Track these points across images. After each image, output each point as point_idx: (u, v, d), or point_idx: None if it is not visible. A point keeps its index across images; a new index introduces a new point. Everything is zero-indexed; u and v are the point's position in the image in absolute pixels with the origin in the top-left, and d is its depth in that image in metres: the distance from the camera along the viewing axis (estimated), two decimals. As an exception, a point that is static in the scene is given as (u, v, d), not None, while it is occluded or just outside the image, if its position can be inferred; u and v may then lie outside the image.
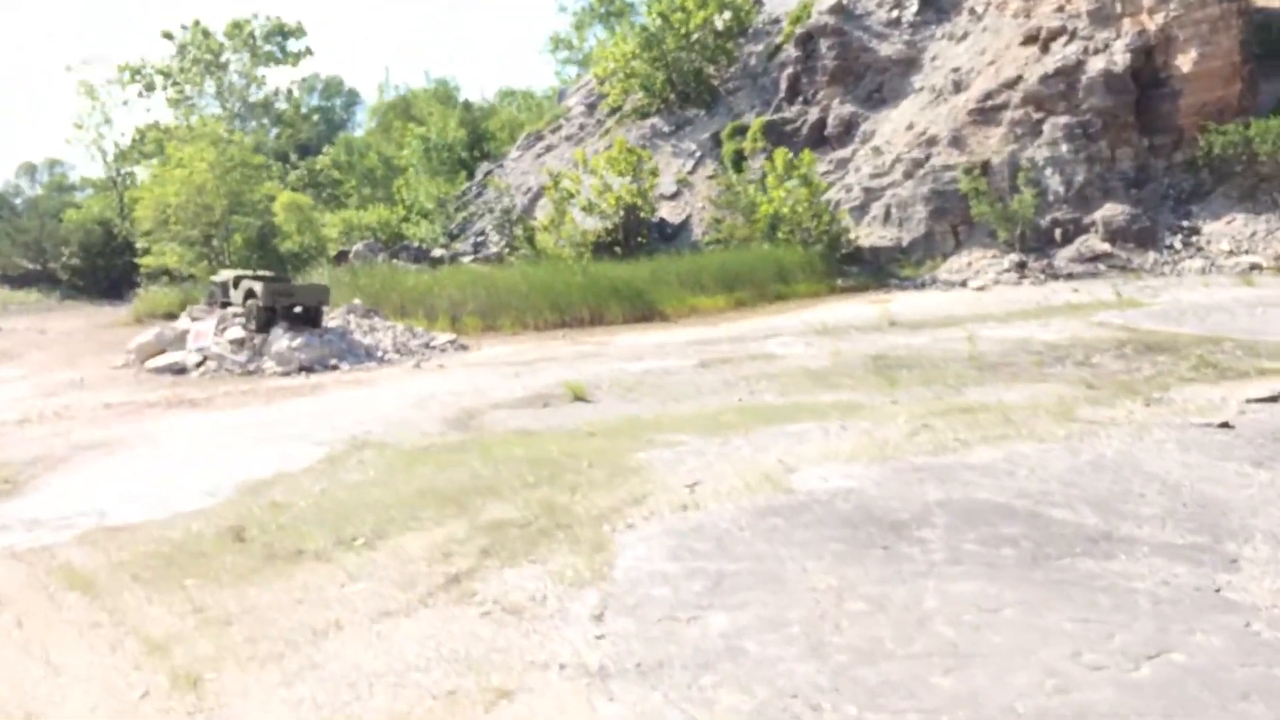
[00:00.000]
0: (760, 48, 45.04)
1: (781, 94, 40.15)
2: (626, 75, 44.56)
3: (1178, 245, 30.83)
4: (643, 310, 26.60)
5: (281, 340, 19.53)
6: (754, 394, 13.70)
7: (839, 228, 33.57)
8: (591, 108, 48.50)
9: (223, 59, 49.86)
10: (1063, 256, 31.27)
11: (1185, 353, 14.65)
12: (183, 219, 31.06)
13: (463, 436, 11.90)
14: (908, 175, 34.33)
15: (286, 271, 31.69)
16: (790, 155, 34.38)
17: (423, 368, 18.92)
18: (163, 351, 20.73)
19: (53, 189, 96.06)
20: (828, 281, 31.85)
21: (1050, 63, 33.60)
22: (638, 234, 37.18)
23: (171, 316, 32.14)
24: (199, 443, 12.34)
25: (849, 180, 36.11)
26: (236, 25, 50.37)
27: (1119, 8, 33.35)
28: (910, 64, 38.49)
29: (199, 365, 19.78)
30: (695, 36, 42.93)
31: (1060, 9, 35.16)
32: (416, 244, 35.83)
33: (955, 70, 36.52)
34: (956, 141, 34.27)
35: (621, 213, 36.59)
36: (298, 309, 20.73)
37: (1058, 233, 31.72)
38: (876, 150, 36.18)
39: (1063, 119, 32.53)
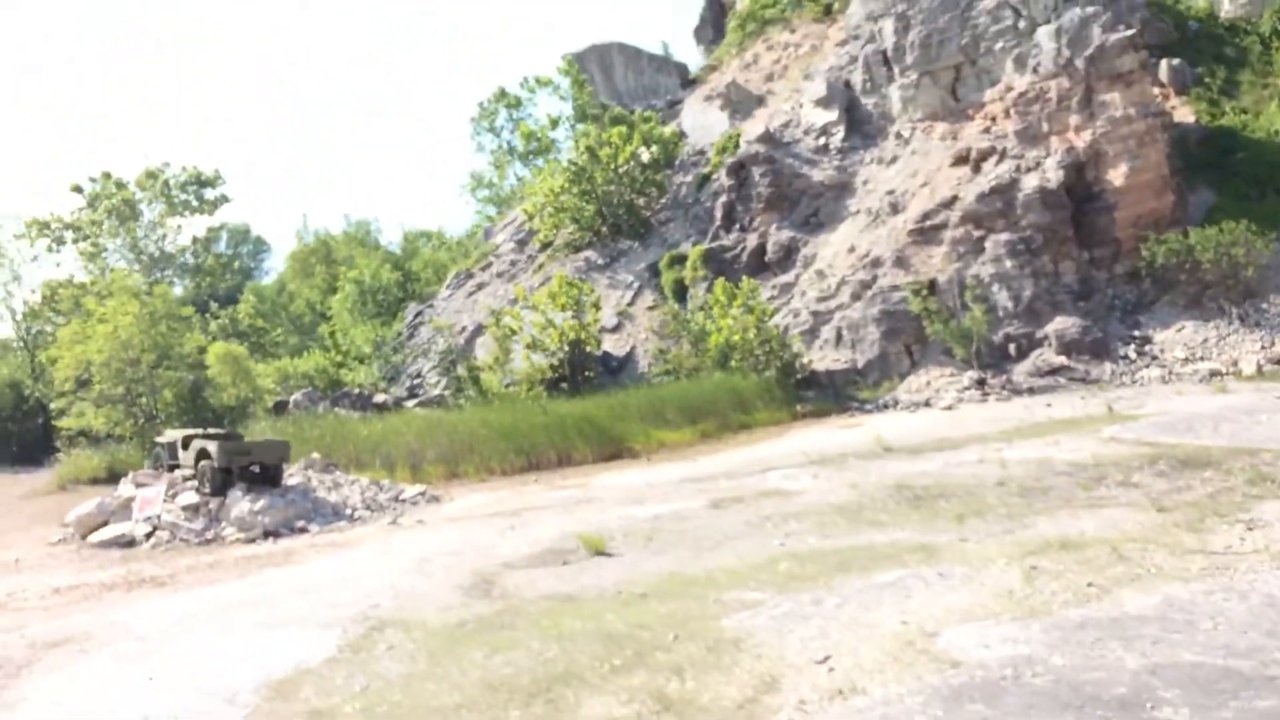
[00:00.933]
0: (689, 178, 45.27)
1: (718, 222, 40.09)
2: (556, 210, 44.24)
3: (1132, 355, 30.88)
4: (610, 447, 25.43)
5: (241, 503, 17.83)
6: (791, 537, 12.60)
7: (791, 353, 33.05)
8: (521, 243, 47.98)
9: (137, 209, 48.25)
10: (1020, 371, 31.08)
11: (1227, 466, 13.99)
12: (106, 376, 29.11)
13: (493, 607, 10.50)
14: (855, 297, 34.17)
15: (223, 425, 29.84)
16: (731, 285, 34.04)
17: (401, 524, 17.40)
18: (105, 523, 18.80)
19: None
20: (788, 408, 31.12)
21: (984, 182, 34.06)
22: (584, 369, 36.23)
23: (98, 481, 30.02)
24: (184, 633, 10.70)
25: (795, 305, 35.83)
26: (151, 175, 48.92)
27: (1045, 127, 34.13)
28: (843, 188, 38.84)
29: (149, 536, 17.94)
30: (623, 169, 42.90)
31: (987, 130, 35.95)
32: (356, 390, 34.29)
33: (890, 193, 36.88)
34: (900, 261, 34.31)
35: (566, 348, 35.64)
36: (254, 468, 19.10)
37: (1011, 348, 31.60)
38: (820, 274, 36.07)
39: (1004, 236, 32.78)
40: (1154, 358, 30.71)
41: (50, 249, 46.02)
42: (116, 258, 48.37)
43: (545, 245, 46.25)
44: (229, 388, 30.67)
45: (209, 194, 49.79)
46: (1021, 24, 35.23)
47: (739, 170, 40.06)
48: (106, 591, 13.83)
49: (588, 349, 36.51)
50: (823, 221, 38.39)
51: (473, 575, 12.23)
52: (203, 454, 18.88)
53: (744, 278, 34.68)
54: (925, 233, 34.70)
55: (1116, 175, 32.61)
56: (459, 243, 55.63)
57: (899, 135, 38.96)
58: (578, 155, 43.20)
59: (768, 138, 40.68)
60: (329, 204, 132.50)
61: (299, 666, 8.82)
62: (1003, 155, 34.76)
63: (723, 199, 40.35)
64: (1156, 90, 35.43)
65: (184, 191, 49.43)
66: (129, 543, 17.79)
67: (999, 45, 35.79)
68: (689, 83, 51.97)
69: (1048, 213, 32.64)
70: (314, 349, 38.56)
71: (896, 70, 39.03)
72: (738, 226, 39.65)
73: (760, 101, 46.68)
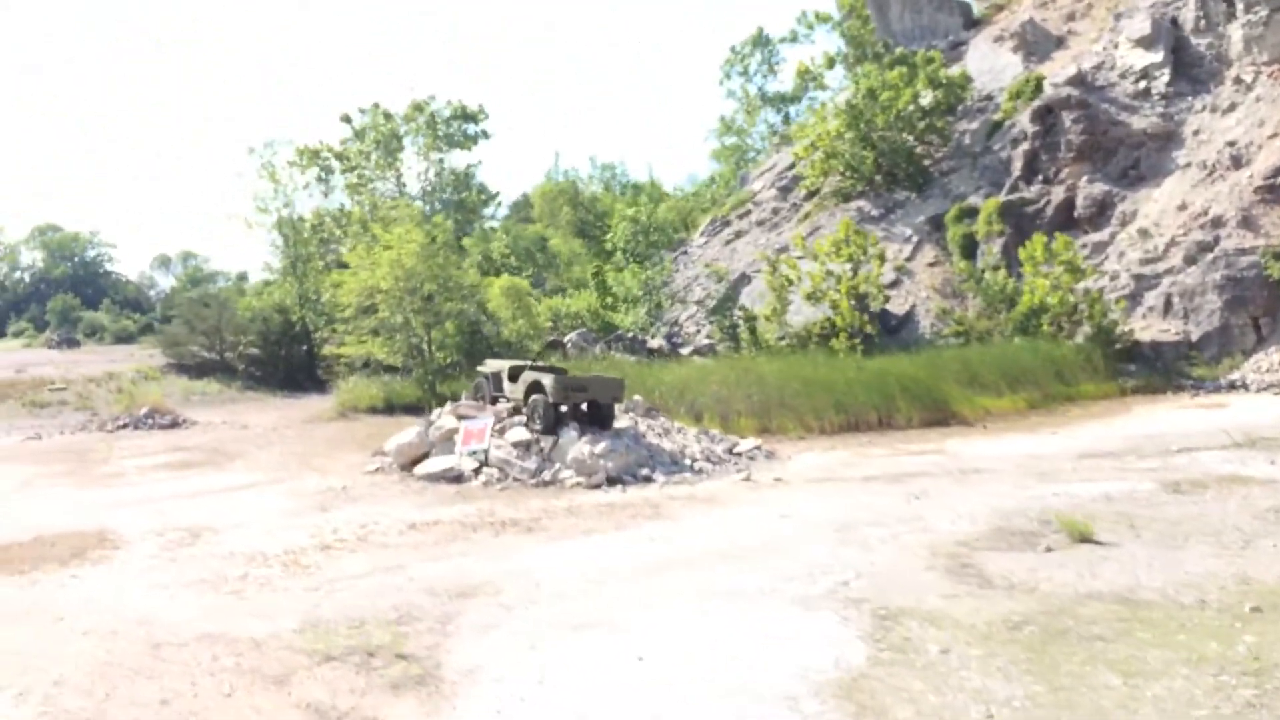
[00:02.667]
0: (974, 125, 41.49)
1: (1017, 173, 36.36)
2: (828, 155, 41.33)
3: None
4: (934, 412, 22.72)
5: (579, 444, 16.14)
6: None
7: (1109, 320, 29.43)
8: (785, 190, 45.36)
9: (401, 141, 48.18)
10: (1399, 354, 26.60)
11: None
12: (389, 304, 28.36)
13: (1017, 604, 8.15)
14: (1190, 260, 30.11)
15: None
16: (1046, 240, 30.59)
17: (756, 481, 15.29)
18: (426, 454, 17.51)
19: (188, 281, 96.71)
20: (1111, 382, 27.68)
21: (1358, 133, 29.29)
22: (882, 324, 33.55)
23: (376, 411, 29.48)
24: (626, 597, 8.82)
25: (1112, 266, 31.98)
26: (418, 107, 48.68)
27: None
28: (1168, 138, 34.45)
29: (476, 472, 16.49)
30: (905, 113, 39.60)
31: (1359, 74, 30.96)
32: (630, 334, 32.66)
33: (1230, 144, 32.36)
34: (1247, 222, 30.00)
35: (852, 302, 33.00)
36: (583, 407, 17.47)
37: (1391, 327, 27.11)
38: (1144, 233, 32.04)
39: (1382, 196, 28.10)
40: None
41: (320, 178, 46.63)
42: (381, 189, 48.53)
43: (812, 193, 43.49)
44: (510, 323, 29.48)
45: (470, 129, 49.45)
46: None
47: (1045, 115, 36.19)
48: (471, 532, 12.27)
49: (872, 304, 33.80)
50: (1143, 175, 34.16)
51: (931, 554, 9.95)
52: (535, 387, 17.31)
53: (1057, 234, 31.12)
54: (1276, 190, 30.22)
55: None
56: (706, 189, 53.38)
57: (1239, 80, 34.19)
58: (856, 96, 40.08)
59: (1079, 80, 36.57)
60: (573, 149, 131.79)
61: (842, 665, 6.72)
62: (1380, 103, 29.83)
63: (1024, 147, 36.56)
64: None
65: (448, 125, 49.10)
66: (457, 477, 16.39)
67: (1383, -26, 30.66)
68: (972, 23, 47.89)
69: None
70: (579, 289, 37.08)
71: (1240, 5, 34.19)
72: (1040, 178, 35.84)
73: (1060, 43, 42.37)
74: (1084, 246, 33.01)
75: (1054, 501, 12.10)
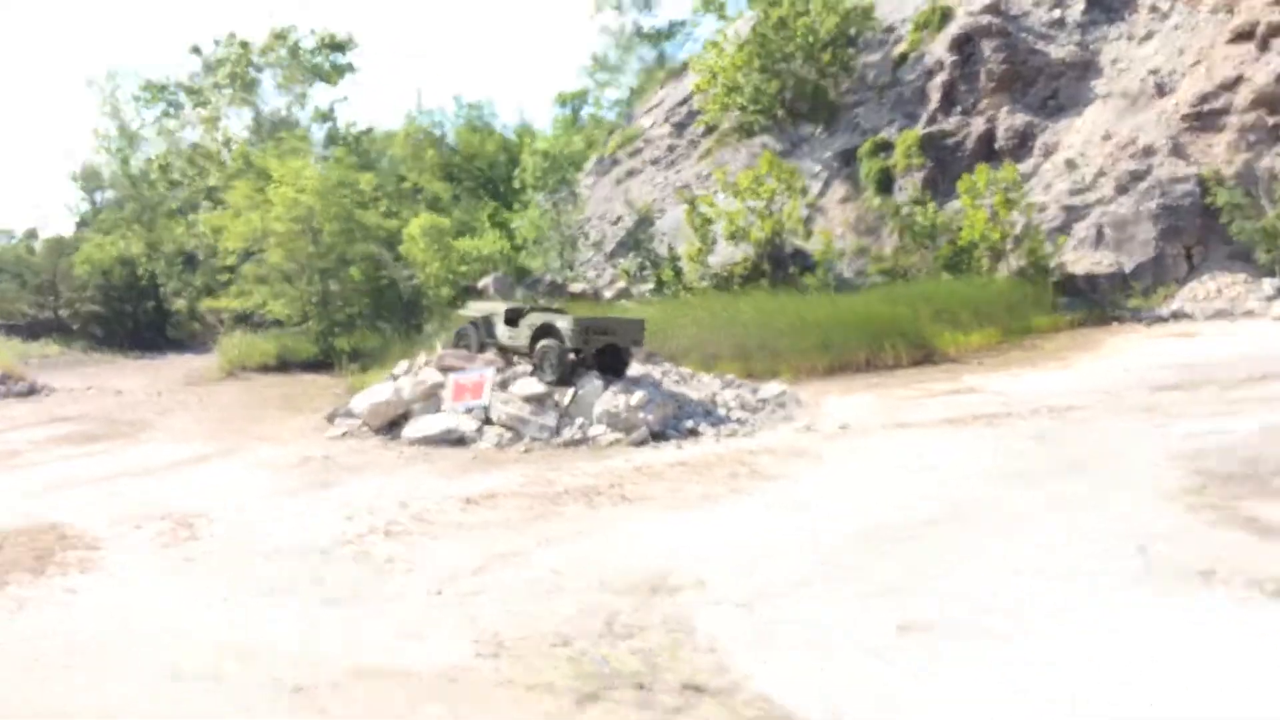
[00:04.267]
0: (877, 57, 40.29)
1: (934, 104, 35.30)
2: (729, 89, 39.36)
3: None
4: (918, 350, 21.27)
5: (608, 396, 13.84)
6: None
7: (1044, 253, 28.73)
8: (680, 127, 43.28)
9: (260, 73, 43.51)
10: (1327, 281, 26.64)
11: None
12: (285, 249, 24.96)
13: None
14: (1122, 190, 29.62)
15: (419, 313, 25.86)
16: (989, 169, 29.63)
17: (820, 431, 13.32)
18: (403, 416, 14.82)
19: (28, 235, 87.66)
20: (1055, 315, 26.98)
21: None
22: (788, 264, 32.00)
23: (269, 369, 26.18)
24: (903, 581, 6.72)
25: (1038, 198, 31.25)
26: (279, 36, 43.92)
27: (1359, -2, 29.16)
28: (1086, 67, 33.95)
29: (478, 432, 13.95)
30: (809, 44, 37.95)
31: (1278, 2, 30.88)
32: (548, 278, 30.14)
33: (1153, 72, 32.02)
34: (1177, 150, 29.68)
35: (774, 240, 31.43)
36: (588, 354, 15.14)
37: (1317, 254, 27.12)
38: (1070, 163, 31.43)
39: (1308, 123, 28.07)
40: None
41: (167, 114, 41.64)
42: (238, 126, 43.90)
43: (710, 129, 41.54)
44: (424, 268, 26.46)
45: (338, 60, 45.09)
46: (1336, -127, 29.97)
47: (964, 44, 35.19)
48: (550, 505, 9.98)
49: (797, 243, 32.30)
50: (1063, 105, 33.59)
51: (1186, 507, 8.14)
52: (544, 331, 14.86)
53: (1004, 163, 30.20)
54: (1203, 118, 29.98)
55: None
56: (583, 129, 50.69)
57: (1154, 8, 33.91)
58: (764, 25, 38.16)
59: (994, 9, 35.67)
60: (433, 86, 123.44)
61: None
62: (1301, 31, 29.80)
63: (940, 77, 35.51)
64: None
65: (313, 56, 44.60)
66: (459, 440, 13.86)
67: (1301, -100, 30.55)
68: (867, -48, 46.51)
69: (1365, 97, 27.89)
70: (468, 234, 33.99)
71: (1154, -68, 33.82)
72: (959, 109, 34.90)
73: (961, -28, 41.46)
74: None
75: (1229, 439, 10.50)
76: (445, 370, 15.40)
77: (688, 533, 8.61)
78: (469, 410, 14.53)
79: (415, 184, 42.27)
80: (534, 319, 15.51)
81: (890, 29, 40.92)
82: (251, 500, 11.14)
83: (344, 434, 15.21)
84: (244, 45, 43.85)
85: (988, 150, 33.68)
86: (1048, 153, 32.57)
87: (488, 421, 14.31)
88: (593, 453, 12.94)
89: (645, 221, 36.86)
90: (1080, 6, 35.22)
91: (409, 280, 26.68)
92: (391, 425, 15.08)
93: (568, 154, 39.58)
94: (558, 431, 13.75)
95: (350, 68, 45.64)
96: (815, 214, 36.34)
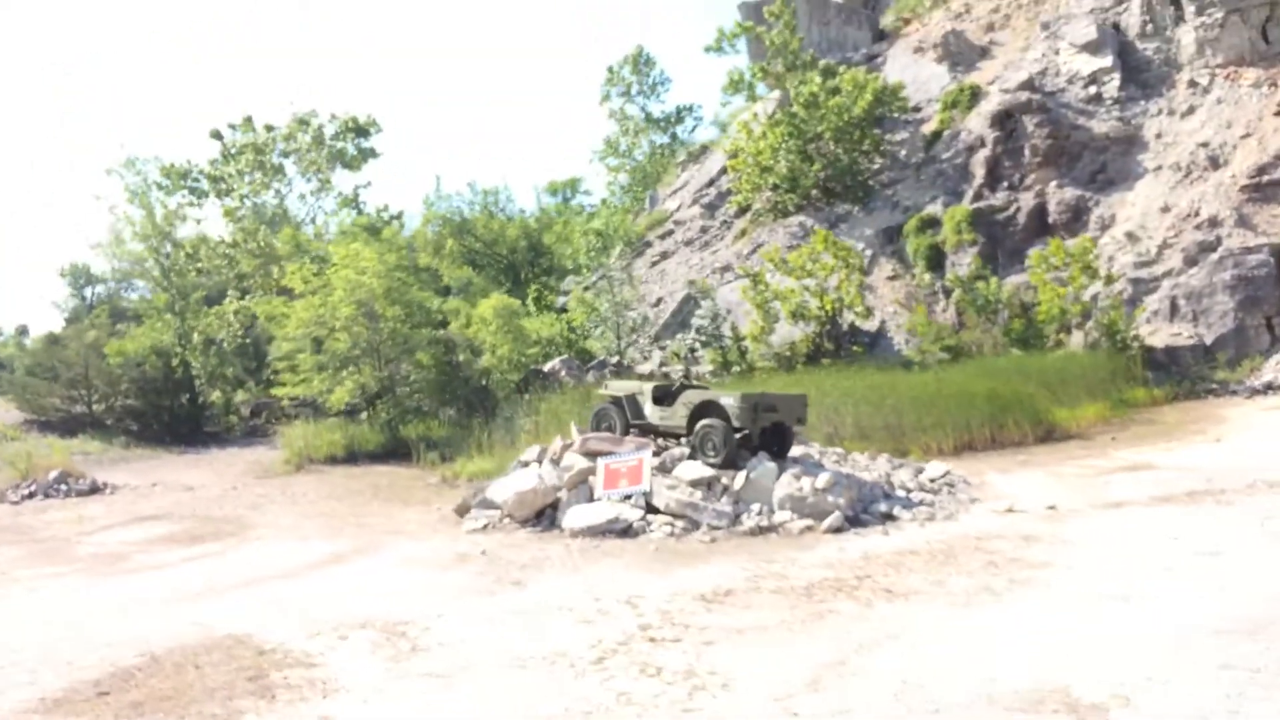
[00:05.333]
0: (905, 136, 40.19)
1: (979, 180, 34.99)
2: (763, 169, 38.96)
3: None
4: (1041, 425, 20.36)
5: (788, 480, 12.70)
6: None
7: (1121, 326, 28.09)
8: (710, 208, 42.75)
9: (286, 159, 42.45)
10: None
11: None
12: (346, 334, 23.77)
13: None
14: (1191, 262, 29.16)
15: (487, 398, 24.67)
16: (1061, 242, 29.18)
17: (1023, 511, 12.30)
18: (551, 504, 13.62)
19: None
20: (1147, 388, 26.23)
21: (1339, 130, 29.13)
22: (852, 342, 31.25)
23: (337, 461, 24.78)
24: None
25: (1103, 271, 30.74)
26: (302, 121, 43.01)
27: None
28: (1130, 141, 33.83)
29: (642, 520, 12.78)
30: (843, 124, 37.72)
31: (1324, 74, 31.02)
32: (614, 360, 29.08)
33: (1203, 145, 31.89)
34: (1243, 221, 29.37)
35: (829, 318, 30.72)
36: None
37: (1395, 323, 26.72)
38: (1131, 236, 31.04)
39: (1375, 192, 27.89)
40: None
41: (192, 203, 40.52)
42: (258, 215, 42.53)
43: (742, 210, 41.06)
44: (499, 350, 25.27)
45: (362, 145, 44.15)
46: (1381, -52, 30.36)
47: (1005, 121, 35.02)
48: (808, 601, 9.01)
49: (856, 320, 31.59)
50: (1112, 178, 33.37)
51: None
52: (705, 410, 13.73)
53: (1054, 239, 29.85)
54: (1263, 189, 29.80)
55: None
56: (600, 212, 50.02)
57: (1193, 83, 33.96)
58: (795, 105, 37.92)
59: (1030, 85, 35.65)
60: (450, 173, 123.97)
61: None
62: (1353, 102, 29.86)
63: (983, 153, 35.30)
64: None
65: (337, 141, 43.71)
66: (624, 530, 12.64)
67: (1345, -26, 30.90)
68: (881, 36, 46.89)
69: None
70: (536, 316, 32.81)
71: (1190, 9, 34.03)
72: (1005, 184, 34.60)
73: (984, 53, 41.70)
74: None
75: None
76: (592, 455, 14.20)
77: (1017, 631, 7.54)
78: (626, 498, 13.36)
79: (438, 270, 41.25)
80: (691, 397, 14.42)
81: (917, 108, 40.90)
82: (446, 604, 9.97)
83: (485, 526, 13.95)
84: (269, 129, 43.08)
85: (1040, 224, 33.34)
86: (1104, 226, 32.21)
87: (651, 510, 13.13)
88: (789, 542, 11.79)
89: (690, 302, 36.01)
90: (1115, 83, 35.23)
91: (476, 364, 25.49)
92: (538, 516, 13.86)
93: (622, 233, 38.80)
94: (736, 519, 12.57)
95: (373, 152, 44.97)
96: (864, 291, 35.72)
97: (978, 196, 34.78)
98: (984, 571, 9.64)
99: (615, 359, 28.90)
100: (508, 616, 9.32)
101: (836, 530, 12.12)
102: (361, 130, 44.34)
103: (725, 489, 13.06)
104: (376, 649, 8.64)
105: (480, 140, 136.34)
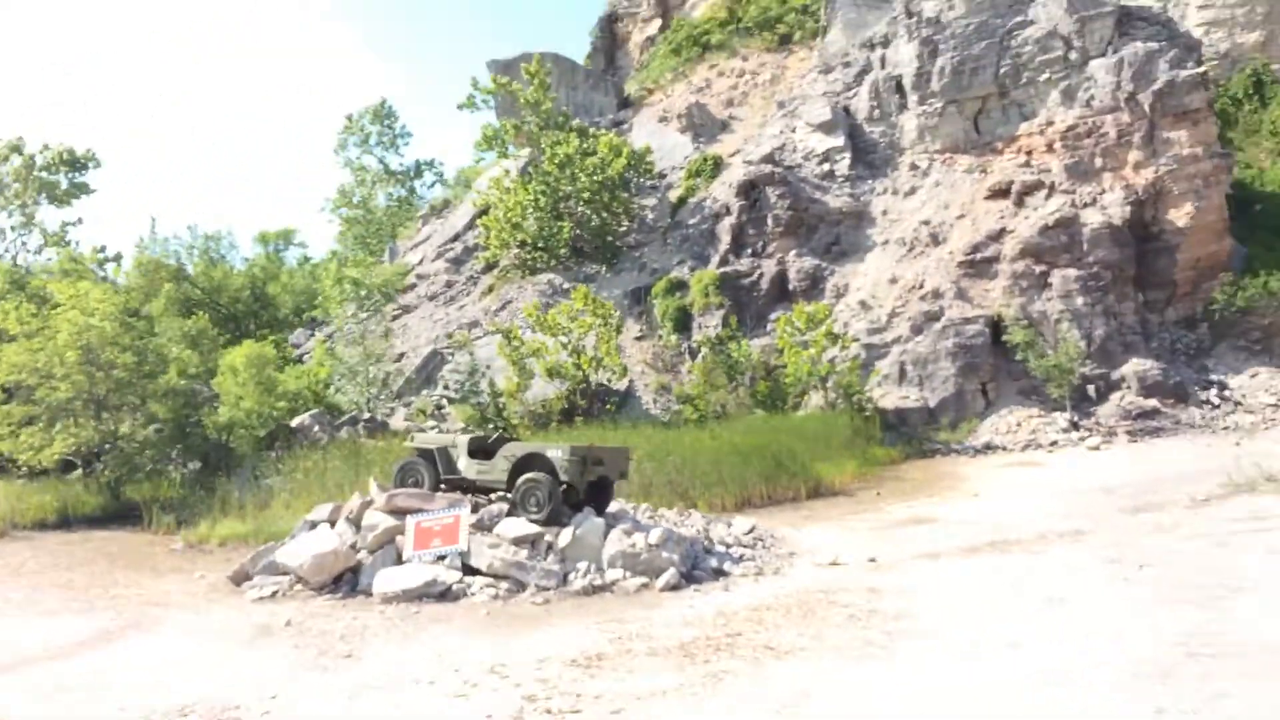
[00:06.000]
0: (653, 201, 41.27)
1: (726, 246, 36.26)
2: (514, 226, 38.73)
3: (1214, 399, 29.78)
4: (810, 482, 21.05)
5: (616, 535, 12.34)
6: None
7: (856, 389, 29.71)
8: (456, 263, 41.96)
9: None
10: (1104, 414, 29.15)
11: None
12: (69, 383, 21.21)
13: None
14: (917, 330, 31.34)
15: (230, 459, 22.78)
16: (804, 307, 30.56)
17: (847, 564, 12.55)
18: (352, 568, 12.59)
19: None
20: (883, 448, 27.77)
21: (1040, 216, 32.37)
22: (604, 400, 31.34)
23: (46, 526, 21.93)
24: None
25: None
26: (14, 148, 38.13)
27: (1099, 163, 33.00)
28: (860, 216, 36.24)
29: (460, 582, 12.03)
30: (595, 185, 38.20)
31: (1026, 164, 34.44)
32: (367, 414, 27.51)
33: (925, 223, 34.56)
34: (961, 294, 31.95)
35: (584, 376, 30.75)
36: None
37: (1090, 389, 29.73)
38: (864, 304, 33.05)
39: (1071, 271, 31.11)
40: (1237, 403, 29.73)
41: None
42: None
43: (490, 266, 40.59)
44: (236, 404, 23.28)
45: (75, 179, 39.87)
46: (1073, 55, 34.11)
47: (750, 191, 36.55)
48: (694, 663, 8.48)
49: (611, 380, 31.73)
50: (845, 250, 35.53)
51: None
52: (529, 463, 13.11)
53: (815, 303, 31.28)
54: (977, 265, 32.60)
55: (1179, 216, 31.77)
56: (329, 264, 48.05)
57: (914, 166, 36.88)
58: (549, 164, 38.06)
59: (773, 159, 37.52)
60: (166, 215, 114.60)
61: None
62: (1051, 190, 33.26)
63: (729, 220, 36.64)
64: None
65: (49, 173, 39.17)
66: (443, 594, 11.84)
67: (1043, 76, 34.50)
68: (625, 104, 48.08)
69: (1116, 249, 31.27)
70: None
71: (914, 98, 37.02)
72: (750, 251, 36.03)
73: (725, 126, 43.62)
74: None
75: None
76: (399, 512, 13.21)
77: (932, 683, 7.54)
78: (441, 558, 12.50)
79: (153, 317, 38.08)
80: (513, 449, 13.74)
81: (663, 175, 42.13)
82: (274, 682, 8.81)
83: (274, 594, 12.64)
84: (-22, 152, 38.09)
85: (782, 290, 34.92)
86: (839, 294, 34.13)
87: (469, 570, 12.35)
88: (629, 601, 11.37)
89: (437, 357, 35.02)
90: (846, 162, 37.69)
91: (215, 417, 23.36)
92: (336, 581, 12.71)
93: (379, 283, 37.17)
94: (564, 579, 12.02)
95: (86, 188, 40.88)
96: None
97: (724, 261, 36.01)
98: (851, 625, 9.62)
99: (367, 415, 27.49)
100: (362, 692, 8.33)
101: (674, 588, 11.79)
102: (78, 164, 40.35)
103: (550, 547, 12.47)
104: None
105: (207, 183, 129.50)
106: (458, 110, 42.23)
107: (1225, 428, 28.12)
